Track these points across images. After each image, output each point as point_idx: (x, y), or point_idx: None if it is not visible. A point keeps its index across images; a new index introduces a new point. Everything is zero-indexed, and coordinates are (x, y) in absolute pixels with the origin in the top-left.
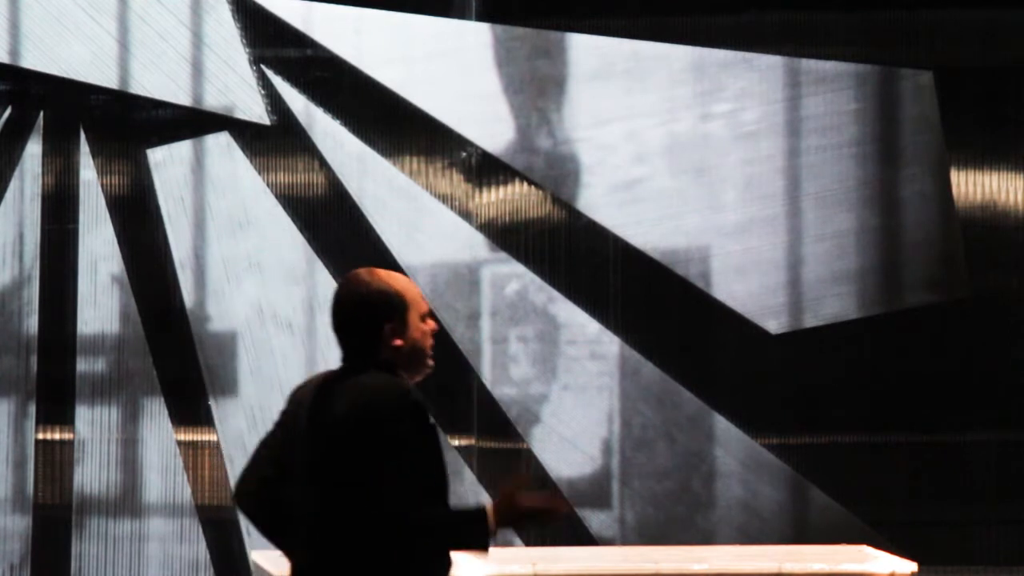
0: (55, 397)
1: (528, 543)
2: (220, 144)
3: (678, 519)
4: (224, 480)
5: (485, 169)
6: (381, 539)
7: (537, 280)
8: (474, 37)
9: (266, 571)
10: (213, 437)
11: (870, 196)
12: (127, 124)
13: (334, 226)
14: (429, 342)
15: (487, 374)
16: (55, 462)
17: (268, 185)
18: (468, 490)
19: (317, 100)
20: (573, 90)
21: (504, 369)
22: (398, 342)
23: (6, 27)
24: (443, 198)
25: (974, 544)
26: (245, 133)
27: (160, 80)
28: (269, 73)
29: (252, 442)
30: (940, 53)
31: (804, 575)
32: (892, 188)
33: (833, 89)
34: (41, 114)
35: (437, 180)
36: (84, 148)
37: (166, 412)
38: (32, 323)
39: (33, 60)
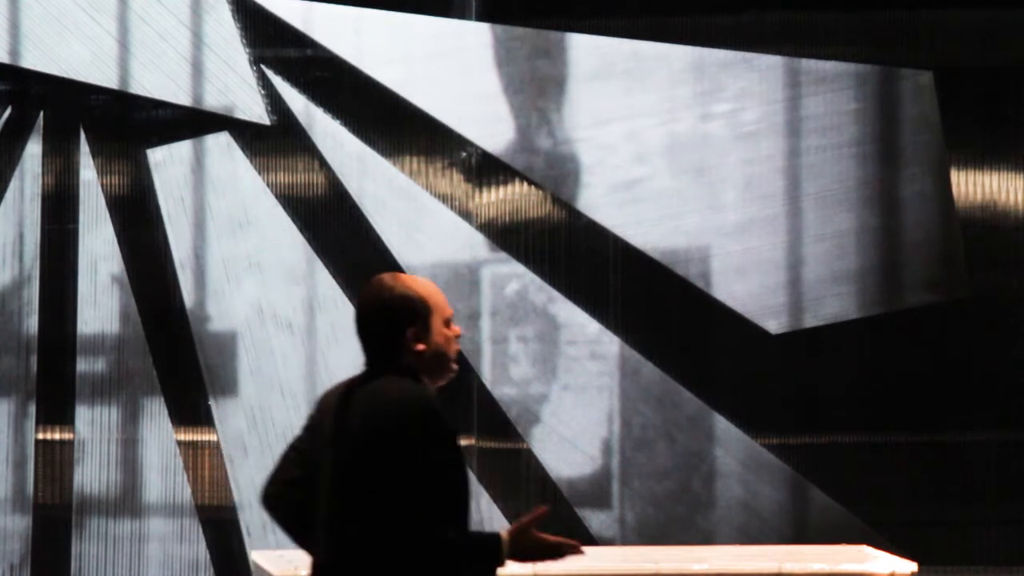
0: (55, 397)
1: None
2: (220, 144)
3: (678, 519)
4: (224, 480)
5: (485, 169)
6: (394, 552)
7: (537, 280)
8: (474, 37)
9: (266, 571)
10: (213, 437)
11: (870, 196)
12: (127, 124)
13: (334, 226)
14: (454, 347)
15: (487, 374)
16: (55, 462)
17: (268, 185)
18: None
19: (317, 100)
20: (573, 90)
21: (504, 369)
22: (421, 347)
23: (6, 27)
24: (443, 198)
25: (974, 544)
26: (245, 133)
27: (160, 80)
28: (269, 73)
29: (252, 442)
30: (940, 53)
31: (804, 575)
32: (892, 188)
33: (833, 89)
34: (41, 114)
35: (437, 180)
36: (84, 148)
37: (166, 412)
38: (32, 323)
39: (33, 60)
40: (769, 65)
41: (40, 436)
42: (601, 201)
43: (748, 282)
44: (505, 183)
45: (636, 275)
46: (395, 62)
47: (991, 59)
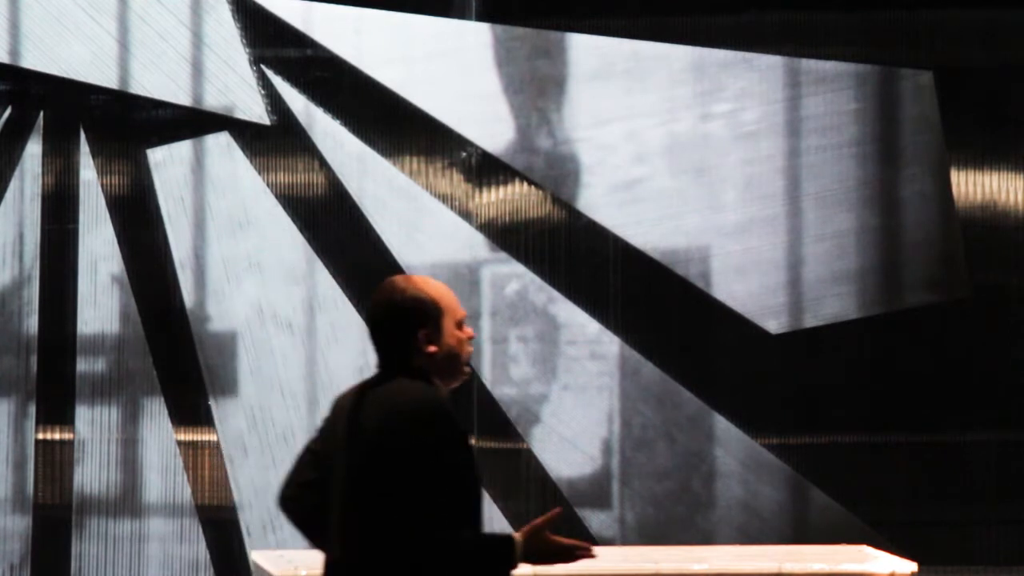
0: (55, 397)
1: None
2: (220, 144)
3: (678, 519)
4: (224, 480)
5: (485, 169)
6: (407, 553)
7: (537, 280)
8: (474, 37)
9: (266, 571)
10: (213, 437)
11: (870, 196)
12: (127, 124)
13: (334, 226)
14: (466, 349)
15: (487, 374)
16: (55, 462)
17: (268, 185)
18: None
19: (317, 100)
20: (573, 90)
21: (504, 369)
22: (432, 349)
23: (6, 27)
24: (443, 198)
25: (974, 544)
26: (245, 133)
27: (160, 80)
28: (269, 73)
29: (252, 442)
30: (940, 53)
31: (804, 575)
32: (892, 188)
33: (833, 89)
34: (41, 114)
35: (437, 180)
36: (84, 148)
37: (166, 412)
38: (32, 323)
39: (33, 60)
40: (769, 65)
41: (40, 436)
42: (601, 201)
43: (748, 282)
44: (505, 183)
45: (636, 275)
46: (395, 62)
47: (991, 59)
